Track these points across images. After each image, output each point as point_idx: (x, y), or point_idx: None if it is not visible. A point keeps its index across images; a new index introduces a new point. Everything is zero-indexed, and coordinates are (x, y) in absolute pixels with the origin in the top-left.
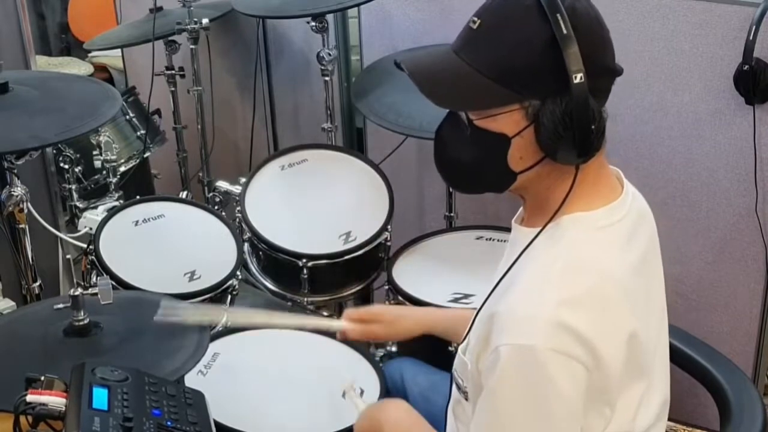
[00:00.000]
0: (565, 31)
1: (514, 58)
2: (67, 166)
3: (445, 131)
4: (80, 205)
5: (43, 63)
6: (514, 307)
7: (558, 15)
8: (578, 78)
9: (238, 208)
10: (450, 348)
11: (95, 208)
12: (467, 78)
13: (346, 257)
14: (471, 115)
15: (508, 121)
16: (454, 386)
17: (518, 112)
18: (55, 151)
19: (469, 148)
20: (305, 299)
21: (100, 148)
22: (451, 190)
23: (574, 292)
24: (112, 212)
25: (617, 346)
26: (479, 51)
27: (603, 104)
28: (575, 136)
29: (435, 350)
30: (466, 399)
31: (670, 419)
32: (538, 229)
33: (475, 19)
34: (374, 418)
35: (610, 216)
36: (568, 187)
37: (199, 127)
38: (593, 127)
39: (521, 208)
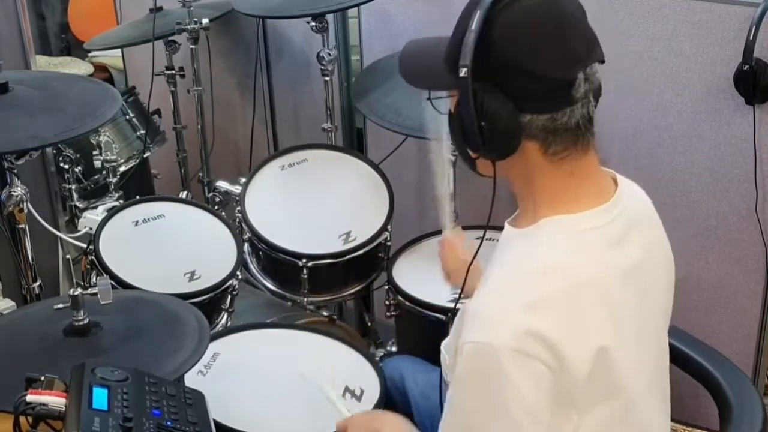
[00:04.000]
0: (473, 26)
1: (453, 45)
2: (67, 166)
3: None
4: (80, 205)
5: (43, 63)
6: (480, 306)
7: (478, 9)
8: (463, 72)
9: (238, 208)
10: None
11: (95, 208)
12: (436, 61)
13: (346, 257)
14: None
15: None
16: (444, 383)
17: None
18: (55, 151)
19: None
20: (305, 299)
21: (100, 148)
22: (450, 189)
23: (541, 294)
24: (112, 212)
25: (584, 351)
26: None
27: (536, 108)
28: (463, 130)
29: (434, 349)
30: None
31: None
32: (521, 229)
33: None
34: (371, 428)
35: (594, 219)
36: (544, 187)
37: (199, 127)
38: (482, 124)
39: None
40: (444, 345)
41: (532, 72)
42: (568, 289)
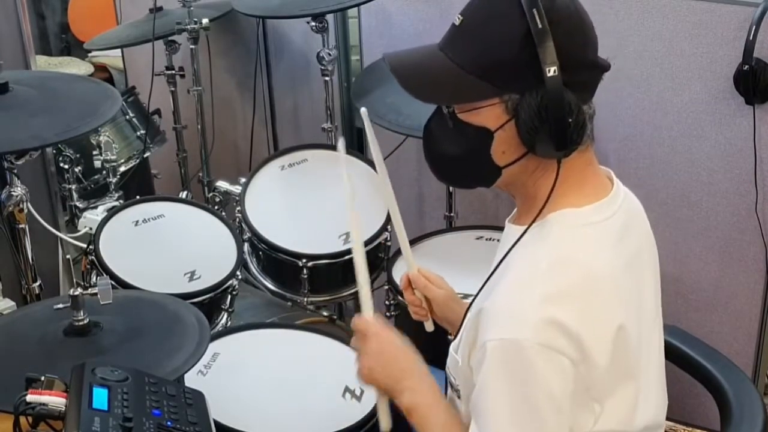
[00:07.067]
0: (540, 26)
1: (493, 52)
2: (67, 166)
3: (432, 125)
4: (80, 205)
5: (43, 63)
6: (500, 303)
7: (534, 10)
8: (551, 71)
9: (238, 208)
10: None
11: (95, 208)
12: (449, 72)
13: (346, 257)
14: (455, 109)
15: (489, 115)
16: (448, 385)
17: (499, 106)
18: (55, 151)
19: (454, 141)
20: (305, 299)
21: (100, 148)
22: (450, 190)
23: (560, 287)
24: (112, 212)
25: (604, 340)
26: (462, 47)
27: (586, 98)
28: (551, 129)
29: (434, 349)
30: (459, 397)
31: (670, 419)
32: (526, 226)
33: (459, 16)
34: (395, 378)
35: (598, 213)
36: (560, 180)
37: (199, 127)
38: (570, 120)
39: (516, 208)
40: (453, 346)
41: (585, 61)
42: (583, 280)
